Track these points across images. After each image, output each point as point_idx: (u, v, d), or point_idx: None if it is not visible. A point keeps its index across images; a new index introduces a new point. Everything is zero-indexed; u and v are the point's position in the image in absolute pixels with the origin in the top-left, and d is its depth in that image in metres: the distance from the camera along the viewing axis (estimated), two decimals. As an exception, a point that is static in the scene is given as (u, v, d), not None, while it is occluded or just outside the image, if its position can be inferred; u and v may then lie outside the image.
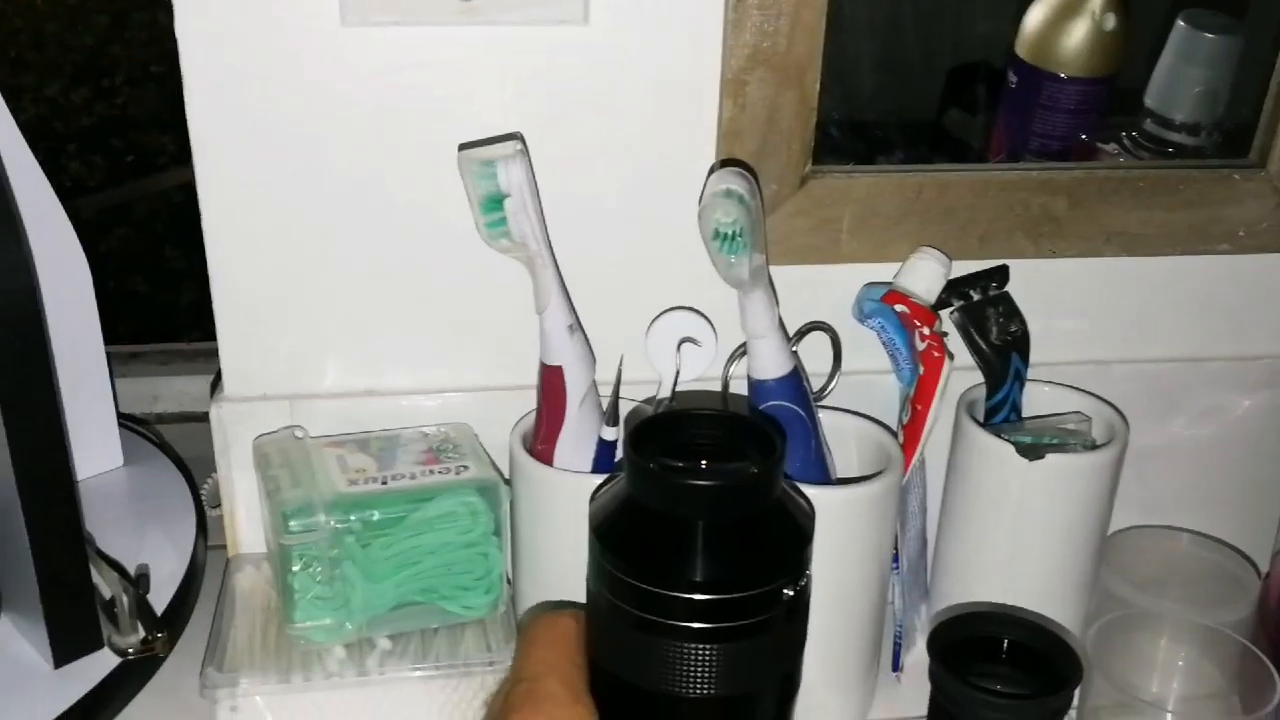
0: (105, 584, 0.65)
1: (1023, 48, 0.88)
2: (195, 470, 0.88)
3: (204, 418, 1.00)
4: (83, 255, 0.77)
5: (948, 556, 0.81)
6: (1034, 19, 0.88)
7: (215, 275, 0.75)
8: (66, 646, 0.63)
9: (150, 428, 0.95)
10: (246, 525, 0.79)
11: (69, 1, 2.93)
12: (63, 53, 2.83)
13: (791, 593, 0.49)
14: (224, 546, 0.80)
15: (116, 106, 2.96)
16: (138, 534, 0.75)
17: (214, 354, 1.07)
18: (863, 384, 0.79)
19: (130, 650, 0.64)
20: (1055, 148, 0.89)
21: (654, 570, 0.47)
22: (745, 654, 0.48)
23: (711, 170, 0.72)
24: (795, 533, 0.50)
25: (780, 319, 0.71)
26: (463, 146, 0.68)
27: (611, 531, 0.48)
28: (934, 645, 0.68)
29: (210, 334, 0.75)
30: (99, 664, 0.64)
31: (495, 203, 0.66)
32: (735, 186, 0.65)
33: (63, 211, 0.73)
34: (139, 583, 0.68)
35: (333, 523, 0.67)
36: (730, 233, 0.65)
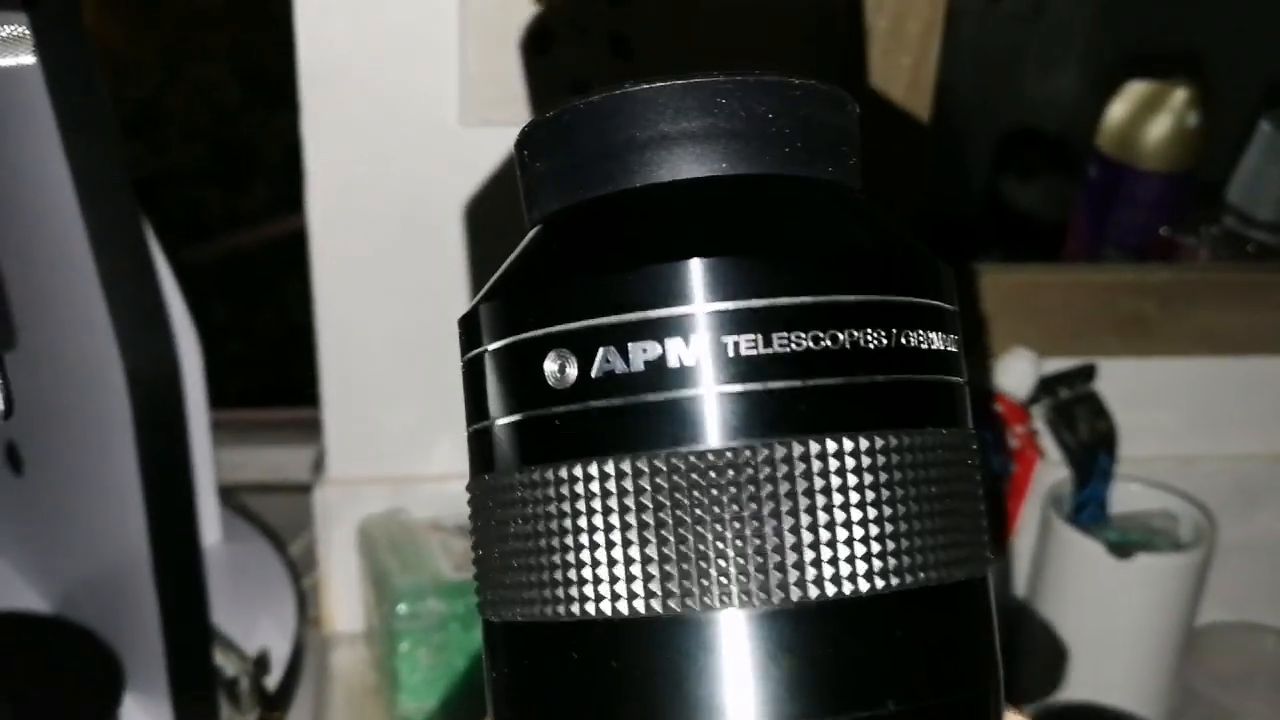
0: (228, 665, 0.66)
1: (1104, 141, 0.90)
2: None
3: (270, 488, 1.02)
4: (192, 330, 0.79)
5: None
6: (1116, 114, 0.90)
7: (325, 357, 0.76)
8: (189, 726, 0.64)
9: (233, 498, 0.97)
10: (343, 604, 0.81)
11: (123, 56, 3.00)
12: (116, 106, 2.90)
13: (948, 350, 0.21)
14: (314, 620, 0.82)
15: (168, 161, 3.02)
16: (242, 611, 0.76)
17: (280, 424, 1.09)
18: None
19: (248, 732, 0.65)
20: (1135, 241, 0.90)
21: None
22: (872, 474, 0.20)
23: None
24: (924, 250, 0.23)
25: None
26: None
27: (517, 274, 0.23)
28: (1031, 744, 0.69)
29: (259, 389, 0.76)
30: (218, 745, 0.65)
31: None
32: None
33: (178, 289, 0.75)
34: (259, 664, 0.69)
35: (442, 607, 0.69)
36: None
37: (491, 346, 0.21)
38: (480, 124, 0.71)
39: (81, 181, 0.53)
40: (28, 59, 0.33)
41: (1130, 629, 0.77)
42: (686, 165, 0.20)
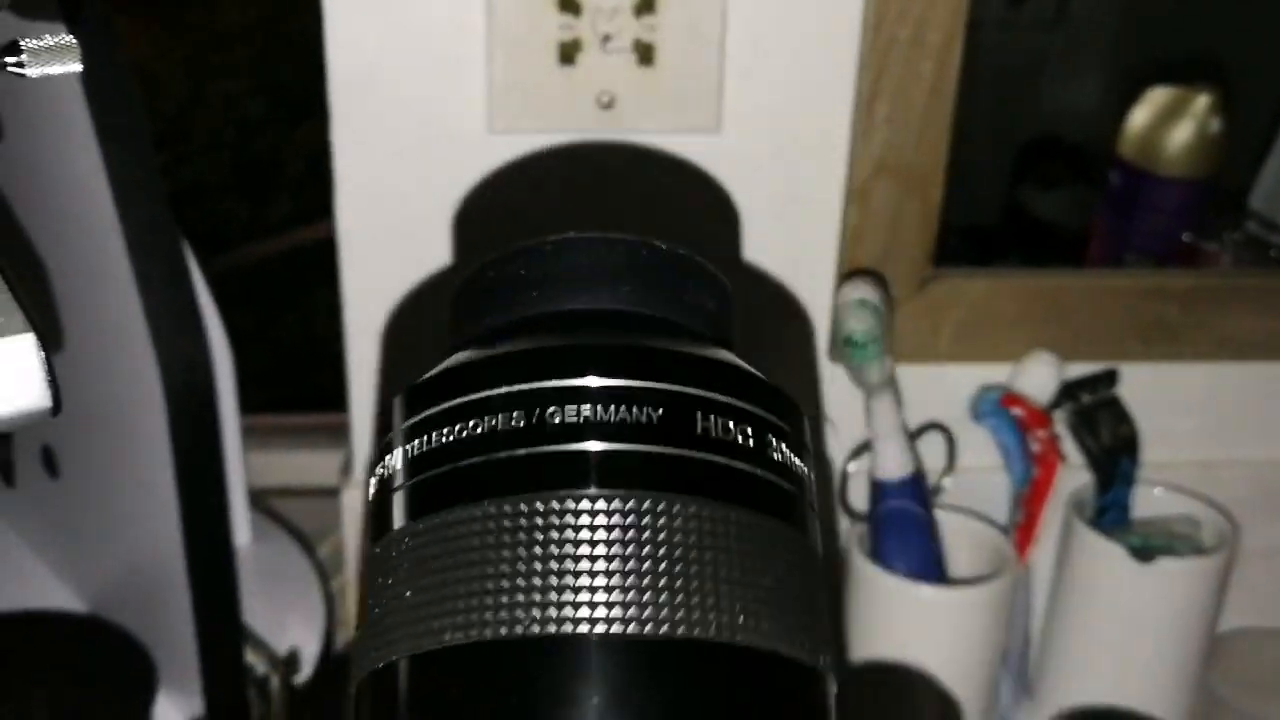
0: (258, 664, 0.67)
1: (1125, 148, 0.90)
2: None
3: (298, 492, 1.03)
4: (224, 335, 0.80)
5: (1054, 654, 0.82)
6: (1137, 120, 0.90)
7: (353, 363, 0.78)
8: (220, 725, 0.65)
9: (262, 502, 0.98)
10: (370, 605, 0.81)
11: (149, 71, 3.02)
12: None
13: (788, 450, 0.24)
14: (342, 623, 0.83)
15: (193, 173, 3.05)
16: (272, 613, 0.77)
17: (307, 429, 1.10)
18: (974, 480, 0.81)
19: (278, 731, 0.66)
20: (1157, 247, 0.91)
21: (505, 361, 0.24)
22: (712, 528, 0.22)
23: (843, 276, 0.75)
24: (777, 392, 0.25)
25: (904, 421, 0.73)
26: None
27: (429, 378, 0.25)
28: (1055, 747, 0.69)
29: (282, 398, 0.77)
30: (249, 743, 0.66)
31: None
32: (868, 296, 0.67)
33: (210, 295, 0.77)
34: (290, 664, 0.70)
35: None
36: (862, 340, 0.67)
37: (401, 426, 0.24)
38: (508, 133, 0.72)
39: (118, 188, 0.54)
40: (75, 67, 0.34)
41: (1152, 634, 0.78)
42: (580, 300, 0.25)
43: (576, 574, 0.20)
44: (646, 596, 0.20)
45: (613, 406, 0.22)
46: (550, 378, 0.22)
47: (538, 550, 0.21)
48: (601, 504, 0.21)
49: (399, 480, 0.23)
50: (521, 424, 0.22)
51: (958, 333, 0.79)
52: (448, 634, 0.21)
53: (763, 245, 0.76)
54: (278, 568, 0.84)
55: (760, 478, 0.23)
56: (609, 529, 0.21)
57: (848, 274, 0.74)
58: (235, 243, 2.78)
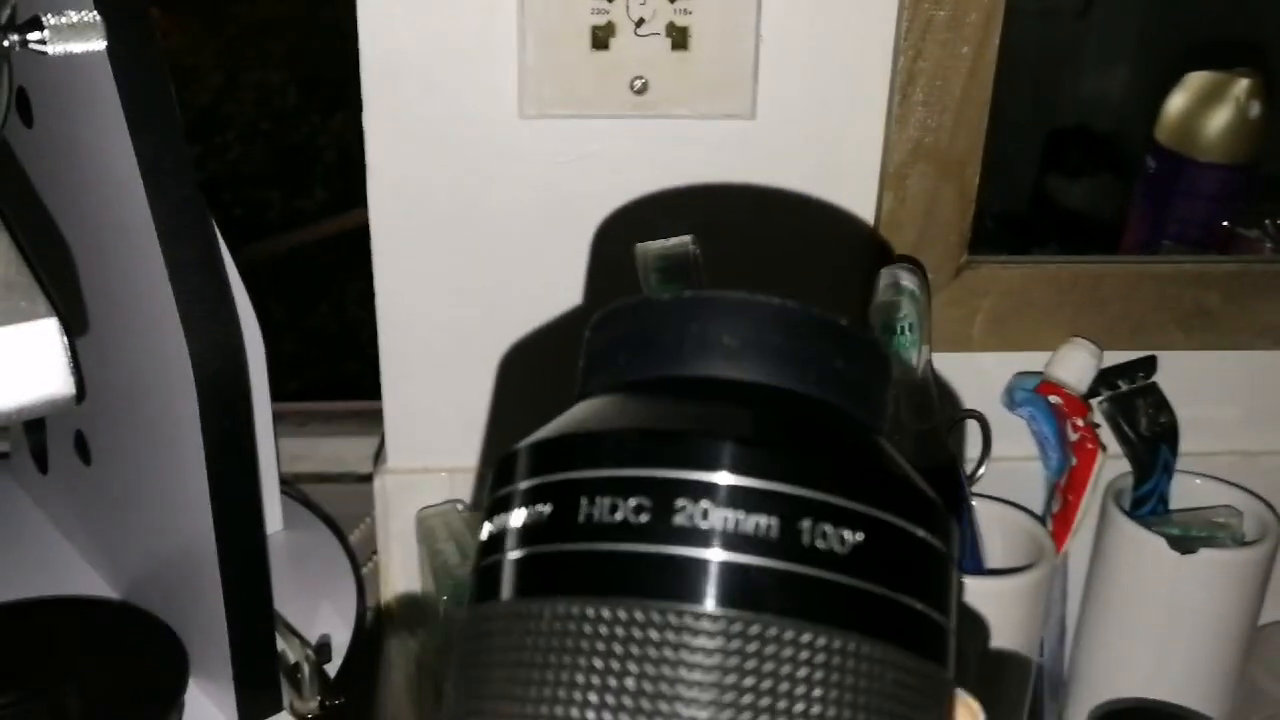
0: (290, 651, 0.67)
1: (1163, 133, 0.89)
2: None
3: (330, 478, 1.03)
4: (255, 322, 0.80)
5: (1091, 646, 0.81)
6: (1175, 105, 0.89)
7: (386, 348, 0.77)
8: (252, 710, 0.65)
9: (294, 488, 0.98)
10: (400, 592, 0.81)
11: (185, 62, 3.04)
12: (179, 111, 2.94)
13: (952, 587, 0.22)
14: (374, 608, 0.83)
15: (228, 163, 3.06)
16: (304, 599, 0.77)
17: (340, 415, 1.10)
18: (1010, 470, 0.80)
19: (310, 715, 0.66)
20: (1195, 234, 0.89)
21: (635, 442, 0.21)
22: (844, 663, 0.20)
23: (878, 262, 0.74)
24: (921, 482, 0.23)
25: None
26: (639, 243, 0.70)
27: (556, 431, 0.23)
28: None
29: (316, 385, 0.77)
30: (281, 728, 0.66)
31: (669, 292, 0.67)
32: (907, 283, 0.66)
33: (242, 282, 0.77)
34: (321, 651, 0.70)
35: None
36: (901, 327, 0.67)
37: (523, 485, 0.22)
38: (540, 118, 0.72)
39: (148, 169, 0.54)
40: (99, 44, 0.34)
41: (1193, 625, 0.76)
42: (733, 369, 0.22)
43: (677, 699, 0.19)
44: None
45: (742, 511, 0.19)
46: (682, 466, 0.20)
47: (643, 667, 0.19)
48: (718, 624, 0.19)
49: (510, 543, 0.21)
50: (644, 518, 0.20)
51: (993, 320, 0.78)
52: None
53: (797, 232, 0.76)
54: (310, 554, 0.84)
55: (903, 605, 0.20)
56: (722, 653, 0.19)
57: (885, 260, 0.73)
58: (270, 232, 2.79)
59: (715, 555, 0.19)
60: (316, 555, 0.84)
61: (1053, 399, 0.76)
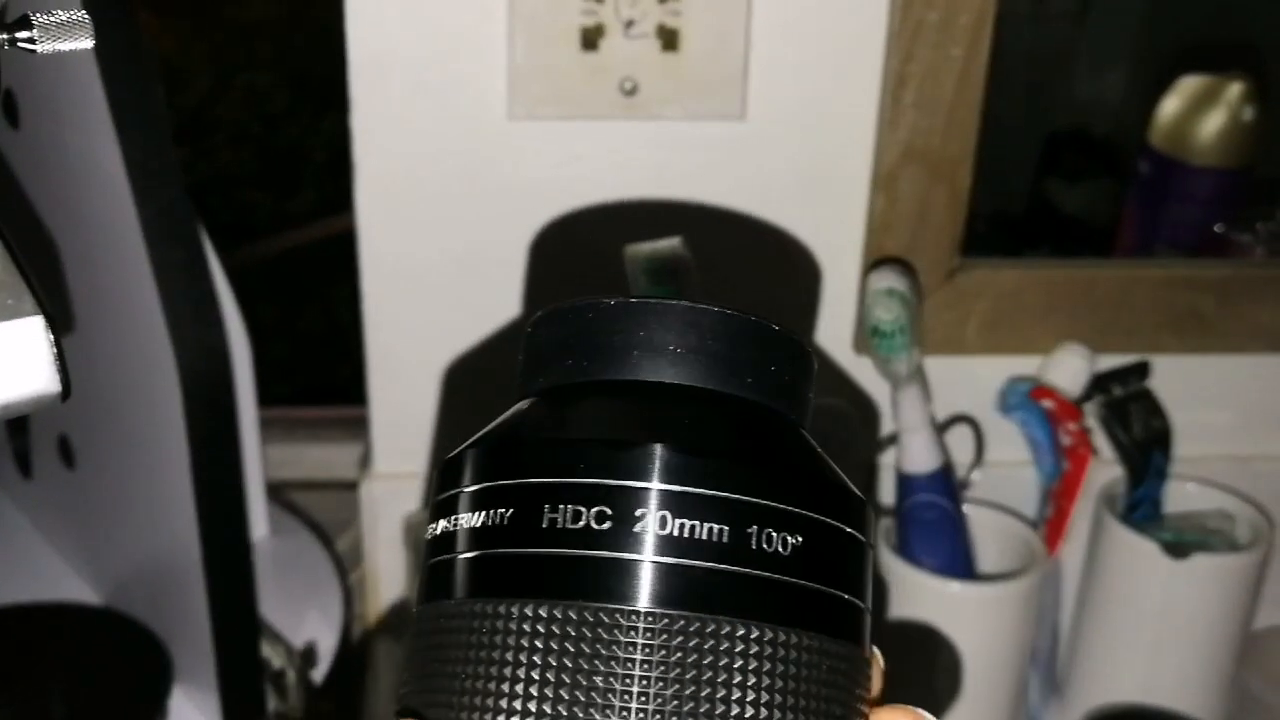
0: (274, 657, 0.66)
1: (1156, 137, 0.89)
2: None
3: (317, 485, 1.03)
4: (242, 326, 0.79)
5: (1085, 651, 0.81)
6: (1169, 109, 0.88)
7: (372, 353, 0.77)
8: (236, 715, 0.65)
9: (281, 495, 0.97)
10: (388, 598, 0.81)
11: (173, 65, 3.03)
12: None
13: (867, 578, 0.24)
14: (360, 615, 0.82)
15: (217, 165, 3.06)
16: (290, 606, 0.77)
17: (326, 422, 1.10)
18: (1002, 475, 0.80)
19: (295, 724, 0.65)
20: (1188, 238, 0.89)
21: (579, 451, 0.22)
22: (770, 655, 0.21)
23: (870, 265, 0.73)
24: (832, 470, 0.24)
25: (931, 414, 0.72)
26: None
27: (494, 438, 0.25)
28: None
29: (305, 389, 0.76)
30: (265, 737, 0.65)
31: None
32: (897, 285, 0.66)
33: (229, 286, 0.76)
34: (306, 657, 0.69)
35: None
36: (890, 330, 0.66)
37: (474, 487, 0.23)
38: (528, 119, 0.71)
39: (135, 171, 0.53)
40: (87, 43, 0.33)
41: (1185, 630, 0.76)
42: (666, 371, 0.23)
43: (616, 693, 0.20)
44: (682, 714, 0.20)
45: (698, 519, 0.21)
46: (621, 476, 0.21)
47: (582, 663, 0.20)
48: (650, 621, 0.20)
49: (461, 545, 0.22)
50: (607, 525, 0.21)
51: (986, 324, 0.77)
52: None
53: (787, 234, 0.75)
54: (295, 561, 0.83)
55: (835, 597, 0.22)
56: (655, 649, 0.20)
57: (875, 263, 0.72)
58: (259, 234, 2.78)
59: (673, 559, 0.20)
60: (302, 562, 0.83)
61: (1045, 403, 0.76)
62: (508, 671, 0.20)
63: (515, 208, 0.73)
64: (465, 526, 0.22)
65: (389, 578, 0.80)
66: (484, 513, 0.22)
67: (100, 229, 0.59)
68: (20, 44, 0.34)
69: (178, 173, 0.55)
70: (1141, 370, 0.79)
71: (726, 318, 0.23)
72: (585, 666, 0.20)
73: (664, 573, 0.20)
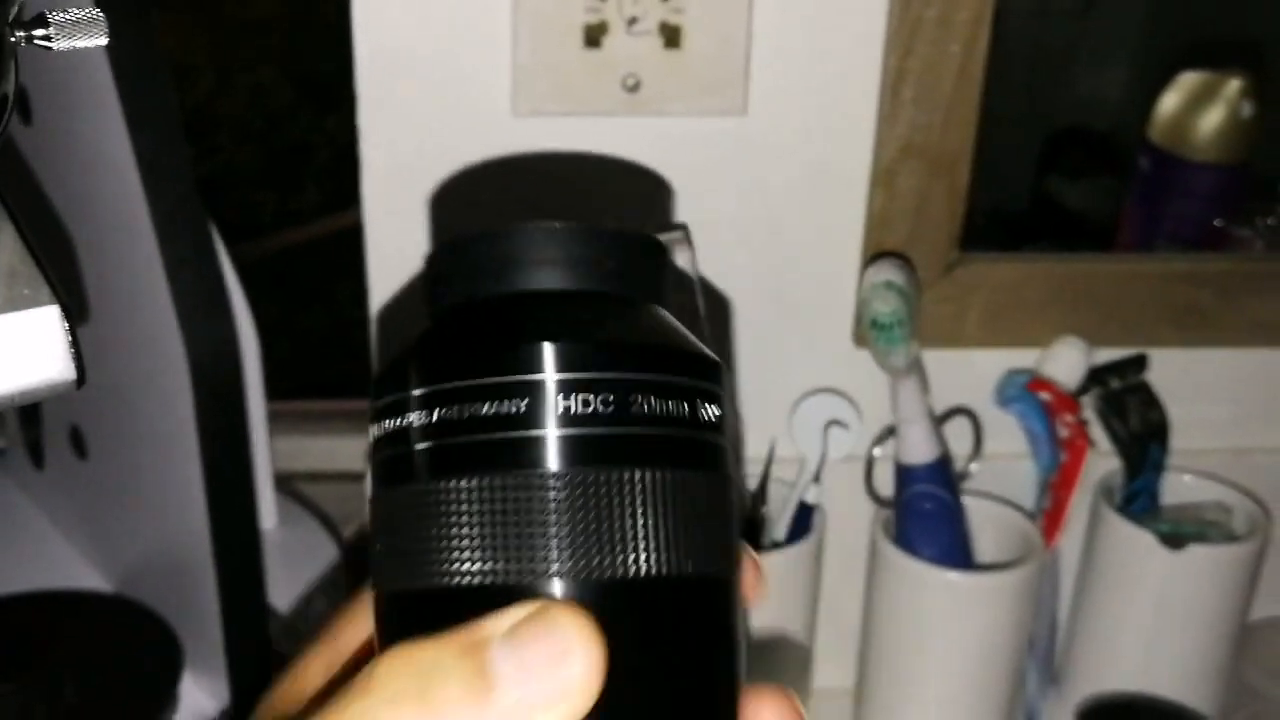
0: (283, 643, 0.67)
1: (1156, 133, 0.89)
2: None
3: (324, 476, 1.04)
4: (250, 321, 0.80)
5: (1082, 642, 0.82)
6: (1168, 105, 0.89)
7: (377, 347, 0.78)
8: (246, 701, 0.66)
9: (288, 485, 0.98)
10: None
11: (177, 61, 3.04)
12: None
13: (706, 415, 0.28)
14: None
15: (221, 163, 3.07)
16: (296, 593, 0.78)
17: (333, 414, 1.11)
18: (1000, 467, 0.80)
19: (303, 710, 0.66)
20: (1188, 233, 0.90)
21: (473, 354, 0.27)
22: (638, 490, 0.26)
23: (869, 259, 0.74)
24: (698, 346, 0.29)
25: (930, 405, 0.73)
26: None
27: (397, 359, 0.29)
28: (1082, 733, 0.69)
29: (309, 387, 0.77)
30: None
31: (662, 288, 0.68)
32: (895, 279, 0.67)
33: (237, 281, 0.77)
34: (314, 645, 0.70)
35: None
36: (888, 323, 0.67)
37: (416, 392, 0.27)
38: (533, 115, 0.72)
39: (146, 167, 0.54)
40: (102, 40, 0.34)
41: (1182, 621, 0.77)
42: (547, 280, 0.28)
43: (539, 537, 0.25)
44: (592, 548, 0.25)
45: (571, 397, 0.26)
46: (517, 372, 0.26)
47: (511, 519, 0.25)
48: (557, 480, 0.26)
49: (417, 438, 0.27)
50: (496, 411, 0.26)
51: (984, 317, 0.78)
52: (438, 579, 0.26)
53: (788, 229, 0.76)
54: (303, 550, 0.84)
55: (691, 439, 0.27)
56: (565, 498, 0.25)
57: (873, 257, 0.73)
58: (263, 232, 2.79)
59: (573, 430, 0.26)
60: (310, 551, 0.84)
61: (1043, 395, 0.77)
62: (454, 532, 0.26)
63: (520, 203, 0.74)
64: (414, 424, 0.27)
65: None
66: (427, 411, 0.27)
67: (112, 223, 0.60)
68: (36, 41, 0.35)
69: (189, 167, 0.56)
70: (1139, 363, 0.80)
71: (587, 231, 0.28)
72: (515, 520, 0.25)
73: (567, 441, 0.26)
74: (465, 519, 0.26)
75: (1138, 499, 0.80)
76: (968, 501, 0.78)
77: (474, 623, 0.24)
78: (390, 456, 0.27)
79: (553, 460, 0.26)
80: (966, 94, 0.73)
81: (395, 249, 0.75)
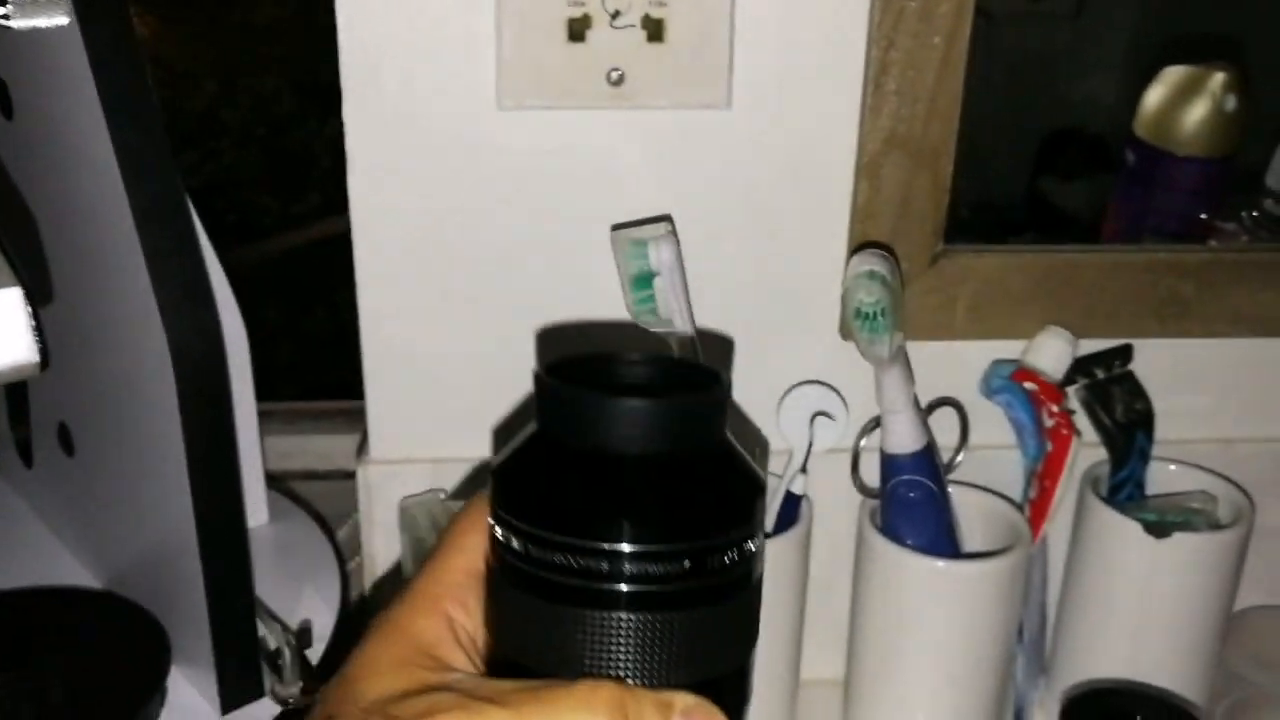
0: (271, 637, 0.67)
1: (1142, 127, 0.90)
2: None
3: (318, 475, 1.04)
4: (240, 317, 0.81)
5: (1070, 631, 0.82)
6: (1153, 99, 0.89)
7: (367, 341, 0.78)
8: (234, 695, 0.66)
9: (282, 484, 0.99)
10: (386, 582, 0.82)
11: (179, 69, 3.05)
12: (174, 118, 2.95)
13: (740, 554, 0.36)
14: (359, 600, 0.84)
15: (224, 169, 3.07)
16: (288, 588, 0.78)
17: (328, 414, 1.11)
18: (987, 458, 0.81)
19: (291, 700, 0.67)
20: (1173, 226, 0.90)
21: (559, 512, 0.35)
22: (679, 630, 0.35)
23: (854, 251, 0.75)
24: (745, 479, 0.37)
25: (915, 395, 0.73)
26: (616, 227, 0.71)
27: (509, 470, 0.36)
28: (1067, 719, 0.69)
29: (311, 390, 0.78)
30: (262, 712, 0.66)
31: (645, 281, 0.69)
32: (878, 268, 0.67)
33: (224, 273, 0.77)
34: (301, 636, 0.71)
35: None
36: (872, 313, 0.67)
37: (522, 527, 0.36)
38: (517, 109, 0.72)
39: (124, 156, 0.55)
40: (63, 19, 0.34)
41: (1168, 610, 0.77)
42: (632, 445, 0.35)
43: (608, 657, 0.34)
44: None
45: (639, 564, 0.34)
46: (600, 539, 0.34)
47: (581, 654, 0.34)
48: (623, 623, 0.34)
49: (513, 557, 0.35)
50: (579, 564, 0.34)
51: (970, 309, 0.78)
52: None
53: (773, 221, 0.76)
54: (295, 545, 0.85)
55: (735, 579, 0.36)
56: (629, 635, 0.34)
57: (858, 247, 0.74)
58: (265, 238, 2.79)
59: (637, 587, 0.34)
60: (302, 547, 0.85)
61: (1028, 386, 0.77)
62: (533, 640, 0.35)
63: (505, 196, 0.74)
64: (517, 550, 0.35)
65: (385, 562, 0.82)
66: (528, 543, 0.35)
67: (94, 215, 0.60)
68: (-4, 22, 0.36)
69: (169, 156, 0.56)
70: (1124, 353, 0.80)
71: (665, 408, 0.35)
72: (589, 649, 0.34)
73: (635, 595, 0.34)
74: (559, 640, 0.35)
75: (1124, 488, 0.80)
76: (954, 491, 0.78)
77: (666, 692, 0.34)
78: (509, 563, 0.36)
79: (623, 607, 0.34)
80: (949, 86, 0.73)
81: (383, 243, 0.75)
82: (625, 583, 0.34)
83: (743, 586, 0.36)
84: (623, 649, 0.34)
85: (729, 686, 0.36)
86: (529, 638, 0.35)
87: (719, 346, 0.78)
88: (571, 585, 0.34)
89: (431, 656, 0.36)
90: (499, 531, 0.36)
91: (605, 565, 0.34)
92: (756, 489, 0.36)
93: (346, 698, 0.35)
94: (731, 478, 0.36)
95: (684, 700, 0.34)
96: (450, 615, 0.37)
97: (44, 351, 0.32)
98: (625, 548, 0.34)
